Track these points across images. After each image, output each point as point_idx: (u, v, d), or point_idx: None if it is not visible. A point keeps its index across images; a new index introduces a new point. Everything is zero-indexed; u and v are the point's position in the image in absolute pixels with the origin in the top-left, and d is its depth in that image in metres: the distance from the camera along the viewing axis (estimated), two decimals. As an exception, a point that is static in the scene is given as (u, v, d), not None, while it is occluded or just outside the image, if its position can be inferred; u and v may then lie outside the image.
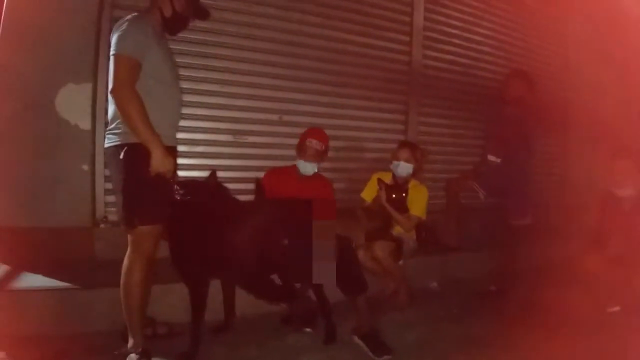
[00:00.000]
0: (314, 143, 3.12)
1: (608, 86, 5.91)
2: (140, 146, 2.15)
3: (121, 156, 2.17)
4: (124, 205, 2.22)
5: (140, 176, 2.17)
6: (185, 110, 3.32)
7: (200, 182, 2.47)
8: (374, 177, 3.37)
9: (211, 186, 2.45)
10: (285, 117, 3.82)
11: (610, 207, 3.08)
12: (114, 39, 2.16)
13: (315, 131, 3.25)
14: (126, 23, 2.19)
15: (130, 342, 2.26)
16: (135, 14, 2.27)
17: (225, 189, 2.59)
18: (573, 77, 5.78)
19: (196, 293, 2.39)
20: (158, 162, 2.16)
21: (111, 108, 2.24)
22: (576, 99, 5.73)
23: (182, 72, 3.32)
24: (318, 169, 3.22)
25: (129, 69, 2.13)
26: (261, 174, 3.22)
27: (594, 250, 3.13)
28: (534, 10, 5.39)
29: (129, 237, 2.24)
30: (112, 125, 2.23)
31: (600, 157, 3.24)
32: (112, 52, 2.16)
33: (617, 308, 3.15)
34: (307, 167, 3.14)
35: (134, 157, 2.17)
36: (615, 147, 3.19)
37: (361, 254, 3.02)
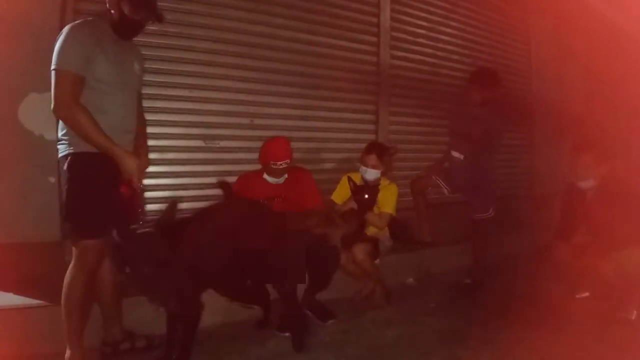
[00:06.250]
0: (279, 165, 2.97)
1: (572, 81, 6.13)
2: (84, 156, 2.09)
3: (65, 167, 2.11)
4: (67, 218, 2.16)
5: (82, 188, 2.10)
6: (154, 117, 3.31)
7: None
8: (345, 178, 3.35)
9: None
10: (257, 121, 3.80)
11: (574, 198, 3.17)
12: (55, 51, 2.07)
13: (277, 150, 3.00)
14: (65, 33, 2.10)
15: (68, 354, 2.19)
16: (78, 20, 2.20)
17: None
18: (537, 73, 5.97)
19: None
20: (130, 168, 2.13)
21: None
22: (541, 94, 5.92)
23: (151, 77, 3.27)
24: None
25: (71, 84, 2.05)
26: (233, 179, 3.20)
27: (560, 240, 3.23)
28: (497, 8, 5.53)
29: (74, 250, 2.17)
30: (59, 135, 2.17)
31: (564, 149, 3.34)
32: (52, 66, 2.06)
33: (586, 294, 3.29)
34: (279, 180, 3.10)
35: (75, 167, 2.10)
36: (577, 140, 3.29)
37: (342, 259, 3.03)
